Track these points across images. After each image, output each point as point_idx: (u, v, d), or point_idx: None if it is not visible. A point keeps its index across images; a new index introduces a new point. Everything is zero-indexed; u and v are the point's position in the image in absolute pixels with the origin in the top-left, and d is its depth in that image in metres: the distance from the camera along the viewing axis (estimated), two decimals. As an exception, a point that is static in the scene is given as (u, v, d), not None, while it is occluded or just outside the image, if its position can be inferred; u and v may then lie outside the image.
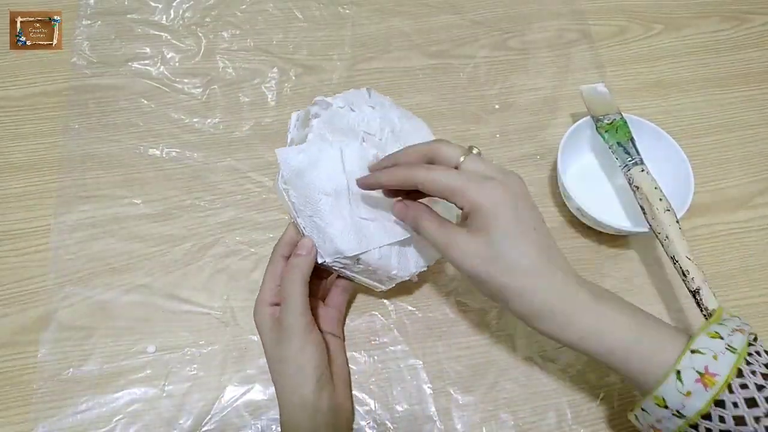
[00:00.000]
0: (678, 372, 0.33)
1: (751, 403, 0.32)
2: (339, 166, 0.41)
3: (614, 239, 0.54)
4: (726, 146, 0.61)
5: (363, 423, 0.45)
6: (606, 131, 0.52)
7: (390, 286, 0.45)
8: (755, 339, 0.36)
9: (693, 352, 0.33)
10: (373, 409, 0.46)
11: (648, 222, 0.47)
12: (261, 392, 0.46)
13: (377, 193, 0.42)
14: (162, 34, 0.62)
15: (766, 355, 0.34)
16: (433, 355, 0.48)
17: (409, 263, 0.44)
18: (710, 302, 0.43)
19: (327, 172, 0.40)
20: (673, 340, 0.35)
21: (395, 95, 0.60)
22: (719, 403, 0.32)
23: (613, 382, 0.48)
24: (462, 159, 0.37)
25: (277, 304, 0.42)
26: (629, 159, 0.50)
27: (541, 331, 0.36)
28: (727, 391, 0.32)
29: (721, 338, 0.34)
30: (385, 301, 0.50)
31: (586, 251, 0.54)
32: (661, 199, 0.47)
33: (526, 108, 0.61)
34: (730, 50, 0.67)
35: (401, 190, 0.40)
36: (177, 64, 0.60)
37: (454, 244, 0.36)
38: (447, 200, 0.36)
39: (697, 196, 0.55)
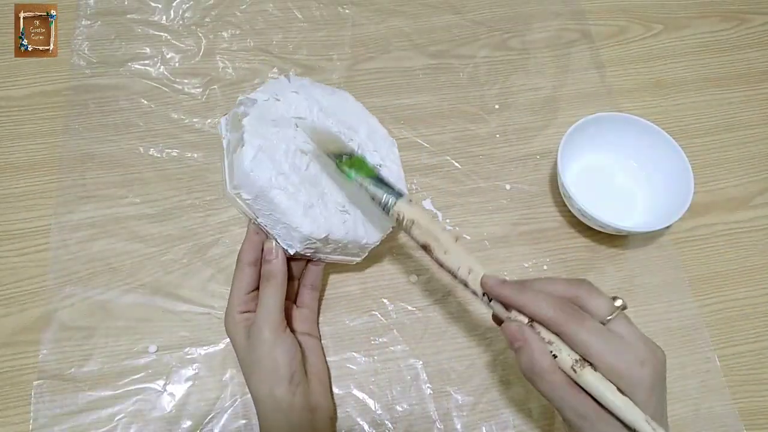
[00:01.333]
0: None
1: None
2: (282, 157, 0.41)
3: (613, 239, 0.54)
4: (726, 146, 0.61)
5: (363, 423, 0.45)
6: (349, 167, 0.41)
7: (364, 256, 0.47)
8: None
9: None
10: (373, 409, 0.46)
11: (438, 260, 0.37)
12: (261, 392, 0.46)
13: (326, 177, 0.43)
14: (162, 34, 0.62)
15: None
16: (433, 355, 0.48)
17: (375, 228, 0.45)
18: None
19: (273, 166, 0.40)
20: None
21: (395, 95, 0.60)
22: None
23: (613, 382, 0.48)
24: (610, 318, 0.33)
25: (247, 311, 0.42)
26: (387, 193, 0.39)
27: None
28: None
29: None
30: (385, 300, 0.50)
31: (586, 251, 0.54)
32: (445, 229, 0.40)
33: (526, 108, 0.61)
34: (730, 50, 0.67)
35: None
36: (177, 64, 0.60)
37: (572, 403, 0.33)
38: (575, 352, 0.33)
39: (697, 196, 0.55)
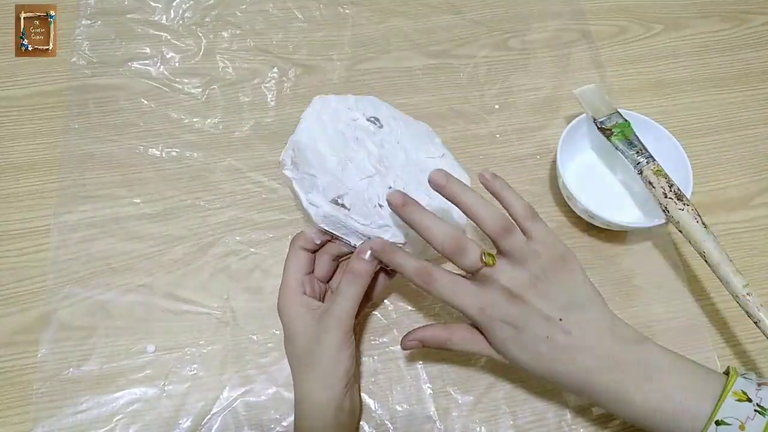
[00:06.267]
0: None
1: None
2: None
3: (614, 239, 0.54)
4: (726, 146, 0.61)
5: (363, 423, 0.45)
6: (612, 134, 0.51)
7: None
8: None
9: (718, 423, 0.32)
10: (373, 409, 0.46)
11: (669, 220, 0.48)
12: (261, 392, 0.46)
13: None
14: (162, 34, 0.62)
15: None
16: (433, 355, 0.48)
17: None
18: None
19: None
20: (701, 400, 0.34)
21: (395, 95, 0.60)
22: None
23: (613, 382, 0.48)
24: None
25: (304, 294, 0.42)
26: (641, 157, 0.50)
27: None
28: None
29: (749, 400, 0.32)
30: (385, 300, 0.50)
31: (586, 251, 0.54)
32: (680, 199, 0.47)
33: (526, 108, 0.61)
34: (730, 50, 0.67)
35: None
36: (177, 64, 0.60)
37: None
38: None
39: (697, 196, 0.55)
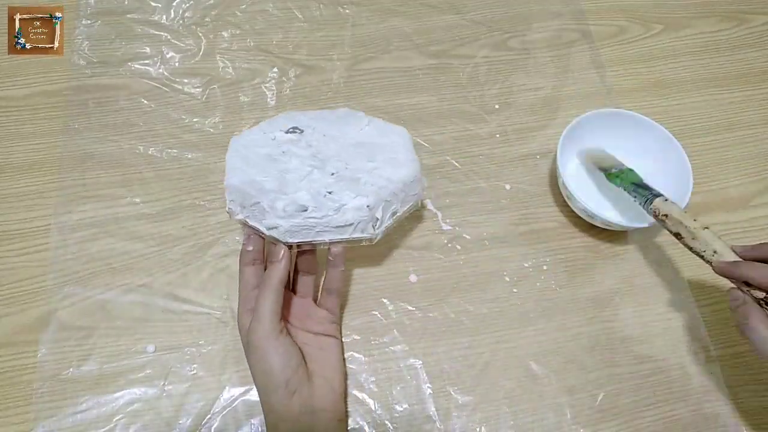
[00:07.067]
0: None
1: None
2: (257, 158, 0.45)
3: (613, 239, 0.54)
4: (726, 146, 0.61)
5: (363, 423, 0.45)
6: (617, 177, 0.52)
7: (376, 236, 0.44)
8: None
9: None
10: (373, 409, 0.46)
11: (688, 245, 0.45)
12: (261, 392, 0.46)
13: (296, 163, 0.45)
14: (162, 33, 0.62)
15: None
16: (433, 355, 0.48)
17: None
18: None
19: (246, 167, 0.44)
20: None
21: (395, 95, 0.60)
22: None
23: (612, 382, 0.48)
24: None
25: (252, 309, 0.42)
26: (648, 193, 0.48)
27: None
28: None
29: None
30: (385, 300, 0.50)
31: (586, 251, 0.54)
32: (695, 219, 0.45)
33: (526, 108, 0.61)
34: (730, 50, 0.67)
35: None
36: (177, 64, 0.60)
37: None
38: None
39: (697, 196, 0.55)
